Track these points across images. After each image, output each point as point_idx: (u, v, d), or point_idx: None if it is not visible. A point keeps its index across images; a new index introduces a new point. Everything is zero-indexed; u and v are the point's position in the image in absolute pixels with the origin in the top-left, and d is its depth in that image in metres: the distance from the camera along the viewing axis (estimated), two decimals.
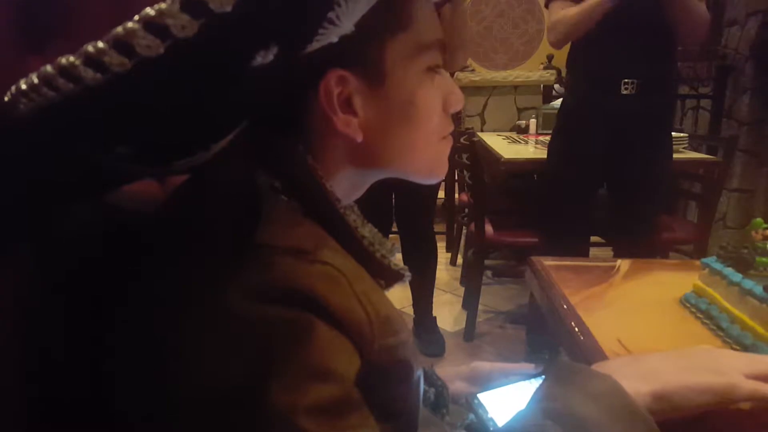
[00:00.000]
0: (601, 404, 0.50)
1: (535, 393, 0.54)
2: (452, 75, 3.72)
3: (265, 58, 0.36)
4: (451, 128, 0.58)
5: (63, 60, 0.30)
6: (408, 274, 0.54)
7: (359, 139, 0.51)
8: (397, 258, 0.56)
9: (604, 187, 2.22)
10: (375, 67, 0.50)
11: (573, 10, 1.92)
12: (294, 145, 0.50)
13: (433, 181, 0.59)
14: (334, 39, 0.41)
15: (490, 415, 0.76)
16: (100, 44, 0.30)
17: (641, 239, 2.07)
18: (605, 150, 2.00)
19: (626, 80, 1.91)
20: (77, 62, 0.30)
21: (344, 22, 0.39)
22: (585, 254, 2.31)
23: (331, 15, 0.37)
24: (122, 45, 0.29)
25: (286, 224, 0.46)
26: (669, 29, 1.90)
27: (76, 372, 0.48)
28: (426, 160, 0.57)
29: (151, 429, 0.44)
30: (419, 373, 0.51)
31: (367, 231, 0.57)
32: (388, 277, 0.53)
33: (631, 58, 1.90)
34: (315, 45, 0.40)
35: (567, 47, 2.11)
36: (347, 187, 0.55)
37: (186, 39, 0.30)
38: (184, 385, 0.42)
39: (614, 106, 1.94)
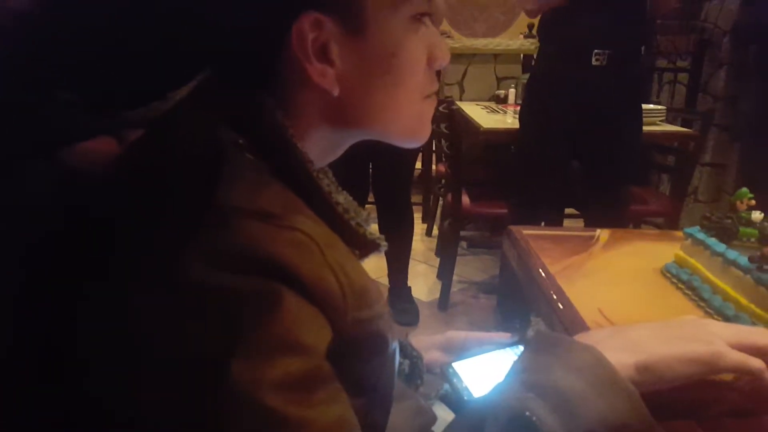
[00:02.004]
0: (584, 376, 0.48)
1: (515, 364, 0.52)
2: None
3: None
4: (436, 87, 0.54)
5: None
6: (384, 244, 0.51)
7: (335, 92, 0.47)
8: (373, 228, 0.52)
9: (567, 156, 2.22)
10: (355, 12, 0.46)
11: None
12: (263, 98, 0.46)
13: (414, 144, 0.55)
14: None
15: (464, 384, 0.75)
16: None
17: (611, 211, 2.08)
18: (575, 121, 1.99)
19: (597, 51, 1.90)
20: None
21: None
22: (558, 226, 2.31)
23: None
24: None
25: (252, 185, 0.42)
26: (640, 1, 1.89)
27: (28, 349, 0.44)
28: (408, 120, 0.53)
29: (113, 407, 0.40)
30: (394, 346, 0.49)
31: (342, 198, 0.53)
32: (363, 246, 0.50)
33: (602, 29, 1.88)
34: None
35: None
36: (321, 148, 0.51)
37: None
38: (142, 360, 0.38)
39: (585, 77, 1.93)
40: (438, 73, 0.55)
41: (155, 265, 0.39)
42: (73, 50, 0.32)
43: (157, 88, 0.41)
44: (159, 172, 0.44)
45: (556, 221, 2.30)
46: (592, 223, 2.20)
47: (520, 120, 2.21)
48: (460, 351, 0.81)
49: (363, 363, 0.45)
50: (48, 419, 0.43)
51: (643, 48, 2.12)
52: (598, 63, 1.91)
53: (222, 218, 0.39)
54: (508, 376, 0.52)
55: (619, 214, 2.12)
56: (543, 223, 2.18)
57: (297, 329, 0.38)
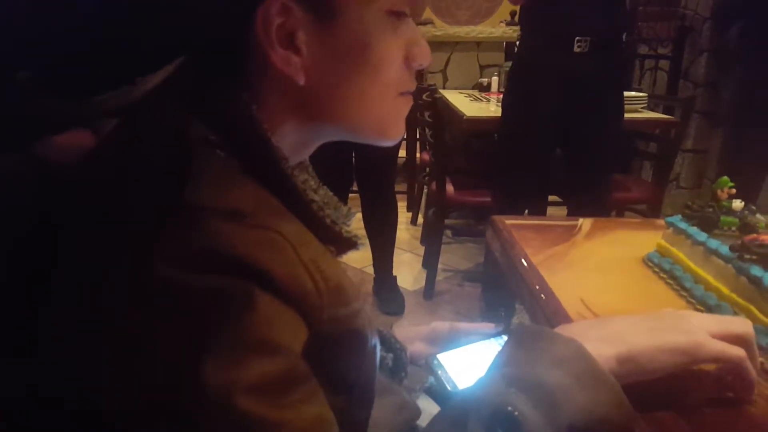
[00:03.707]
0: (566, 369, 0.48)
1: (497, 358, 0.52)
2: None
3: None
4: (413, 86, 0.52)
5: None
6: (361, 242, 0.50)
7: (301, 81, 0.45)
8: (357, 219, 0.51)
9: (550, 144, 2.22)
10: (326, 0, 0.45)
11: None
12: (237, 92, 0.44)
13: (385, 143, 0.53)
14: None
15: (449, 376, 0.75)
16: None
17: (594, 198, 2.08)
18: (558, 108, 1.99)
19: (579, 38, 1.89)
20: None
21: None
22: (542, 213, 2.32)
23: None
24: None
25: (222, 183, 0.41)
26: None
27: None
28: (379, 116, 0.51)
29: (83, 411, 0.39)
30: (374, 341, 0.49)
31: (321, 194, 0.53)
32: (339, 244, 0.49)
33: (584, 15, 1.87)
34: None
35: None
36: (292, 144, 0.49)
37: None
38: (112, 363, 0.37)
39: (567, 64, 1.92)
40: (420, 71, 0.54)
41: (123, 267, 0.38)
42: (35, 31, 0.31)
43: (125, 72, 0.39)
44: (127, 171, 0.43)
45: (539, 208, 2.31)
46: (575, 210, 2.21)
47: (503, 108, 2.20)
48: (445, 342, 0.81)
49: (341, 360, 0.44)
50: (15, 421, 0.42)
51: (625, 35, 2.12)
52: (580, 50, 1.90)
53: (191, 218, 0.38)
54: (489, 370, 0.51)
55: (602, 201, 2.13)
56: (527, 211, 2.18)
57: (271, 329, 0.37)
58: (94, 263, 0.39)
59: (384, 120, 0.51)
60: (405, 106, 0.52)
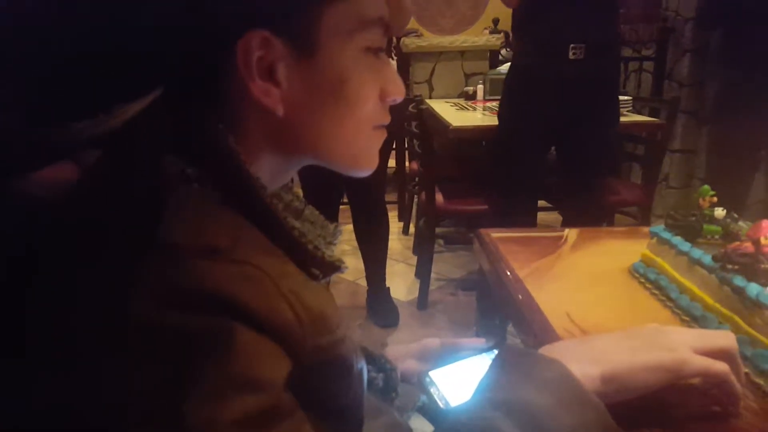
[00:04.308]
0: (550, 391, 0.48)
1: (482, 381, 0.52)
2: (398, 40, 3.66)
3: None
4: (387, 119, 0.53)
5: None
6: (345, 266, 0.50)
7: (279, 112, 0.46)
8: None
9: (552, 151, 2.23)
10: (306, 35, 0.45)
11: None
12: (213, 122, 0.44)
13: (359, 174, 0.54)
14: None
15: (442, 393, 0.74)
16: None
17: (590, 203, 2.09)
18: (554, 115, 1.99)
19: (573, 45, 1.90)
20: None
21: None
22: (534, 218, 2.32)
23: None
24: None
25: (197, 219, 0.41)
26: None
27: None
28: (354, 149, 0.52)
29: None
30: (360, 365, 0.48)
31: (306, 213, 0.53)
32: (323, 268, 0.49)
33: (578, 22, 1.88)
34: None
35: (510, 12, 2.08)
36: (271, 171, 0.50)
37: None
38: (89, 405, 0.37)
39: (562, 71, 1.93)
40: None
41: (100, 307, 0.37)
42: (11, 54, 0.31)
43: (103, 100, 0.39)
44: (103, 210, 0.42)
45: (531, 213, 2.31)
46: (569, 215, 2.21)
47: (499, 117, 2.20)
48: (437, 358, 0.80)
49: (328, 388, 0.44)
50: None
51: (618, 39, 2.13)
52: (575, 56, 1.91)
53: (166, 257, 0.38)
54: (475, 393, 0.51)
55: (597, 206, 2.14)
56: (520, 216, 2.18)
57: (252, 365, 0.37)
58: (69, 305, 0.39)
59: (358, 152, 0.52)
60: (379, 138, 0.54)
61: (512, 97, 2.14)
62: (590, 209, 2.07)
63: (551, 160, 2.24)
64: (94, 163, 0.46)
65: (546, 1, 1.88)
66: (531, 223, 2.26)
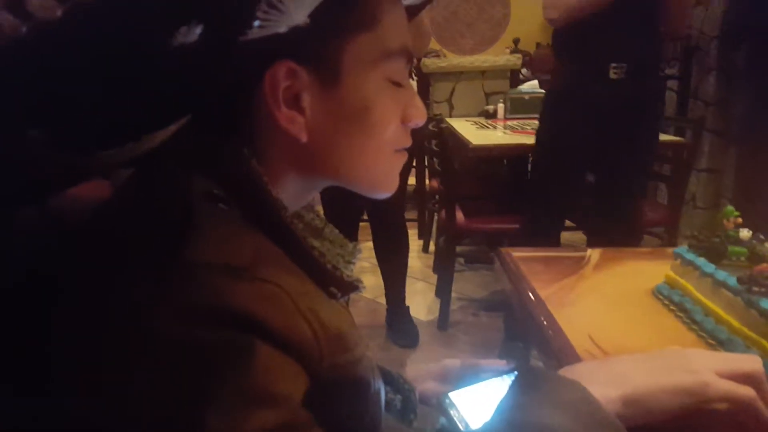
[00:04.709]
0: (571, 414, 0.47)
1: (502, 402, 0.51)
2: (419, 61, 3.69)
3: (187, 36, 0.33)
4: (409, 143, 0.54)
5: None
6: (363, 286, 0.51)
7: (303, 139, 0.47)
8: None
9: (587, 175, 2.20)
10: (331, 65, 0.47)
11: None
12: (238, 146, 0.46)
13: (380, 196, 0.55)
14: (283, 29, 0.38)
15: (461, 415, 0.73)
16: None
17: (623, 224, 2.05)
18: (592, 135, 1.96)
19: (614, 64, 1.88)
20: None
21: (292, 10, 0.38)
22: (558, 237, 2.29)
23: None
24: (15, 4, 0.27)
25: (221, 238, 0.42)
26: (656, 14, 1.86)
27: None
28: (375, 172, 0.53)
29: None
30: (378, 386, 0.49)
31: (326, 232, 0.54)
32: (342, 287, 0.49)
33: (621, 41, 1.85)
34: (258, 32, 0.37)
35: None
36: (292, 193, 0.51)
37: (86, 1, 0.27)
38: (112, 419, 0.38)
39: (602, 90, 1.90)
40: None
41: (124, 322, 0.38)
42: (44, 90, 0.33)
43: (129, 128, 0.41)
44: (131, 228, 0.44)
45: (557, 234, 2.28)
46: (599, 236, 2.17)
47: (537, 136, 2.19)
48: (457, 380, 0.79)
49: (344, 407, 0.44)
50: None
51: (659, 59, 2.10)
52: (615, 76, 1.89)
53: (189, 274, 0.39)
54: (494, 414, 0.51)
55: (630, 229, 2.09)
56: (549, 237, 2.16)
57: (271, 380, 0.37)
58: (93, 320, 0.40)
59: (380, 175, 0.54)
60: (400, 161, 0.55)
61: (550, 115, 2.12)
62: (622, 233, 2.03)
63: (586, 182, 2.22)
64: (125, 182, 0.48)
65: (587, 20, 1.85)
66: (555, 242, 2.23)
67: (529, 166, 2.45)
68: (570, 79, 2.01)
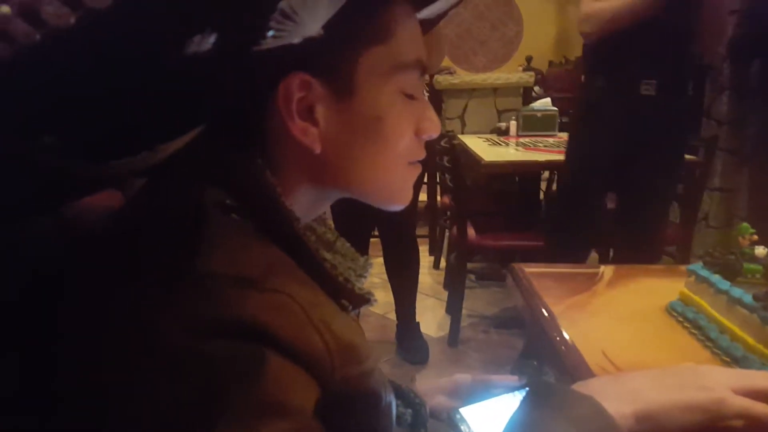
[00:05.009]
0: (584, 428, 0.47)
1: (512, 417, 0.51)
2: (431, 78, 3.71)
3: (200, 45, 0.33)
4: (422, 155, 0.54)
5: None
6: (374, 299, 0.51)
7: (317, 150, 0.47)
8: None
9: (609, 196, 2.17)
10: (345, 77, 0.47)
11: (613, 3, 1.83)
12: (251, 157, 0.46)
13: (393, 208, 0.55)
14: (297, 39, 0.38)
15: (472, 430, 0.73)
16: (4, 9, 0.26)
17: (647, 243, 2.01)
18: (621, 151, 1.94)
19: (645, 81, 1.86)
20: None
21: (306, 21, 0.37)
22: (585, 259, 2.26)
23: (283, 5, 0.35)
24: (29, 12, 0.27)
25: (233, 248, 0.42)
26: (689, 31, 1.84)
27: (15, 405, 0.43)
28: (389, 184, 0.53)
29: None
30: (389, 399, 0.48)
31: (338, 246, 0.54)
32: (353, 300, 0.49)
33: (652, 57, 1.84)
34: (272, 42, 0.37)
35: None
36: (304, 204, 0.51)
37: (99, 9, 0.27)
38: (125, 428, 0.38)
39: (633, 106, 1.88)
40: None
41: (135, 333, 0.39)
42: (59, 95, 0.33)
43: (142, 138, 0.41)
44: (143, 237, 0.44)
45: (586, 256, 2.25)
46: (622, 255, 2.13)
47: (567, 152, 2.16)
48: (468, 395, 0.79)
49: (355, 419, 0.44)
50: None
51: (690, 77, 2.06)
52: (646, 92, 1.87)
53: (201, 285, 0.39)
54: (505, 429, 0.50)
55: (653, 247, 2.06)
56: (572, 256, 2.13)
57: (282, 391, 0.37)
58: (103, 328, 0.40)
59: (393, 187, 0.53)
60: (413, 173, 0.54)
61: (579, 130, 2.10)
62: (646, 250, 2.00)
63: (609, 204, 2.19)
64: (137, 192, 0.48)
65: (620, 35, 1.83)
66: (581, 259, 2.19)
67: (545, 184, 2.42)
68: (600, 93, 1.99)
